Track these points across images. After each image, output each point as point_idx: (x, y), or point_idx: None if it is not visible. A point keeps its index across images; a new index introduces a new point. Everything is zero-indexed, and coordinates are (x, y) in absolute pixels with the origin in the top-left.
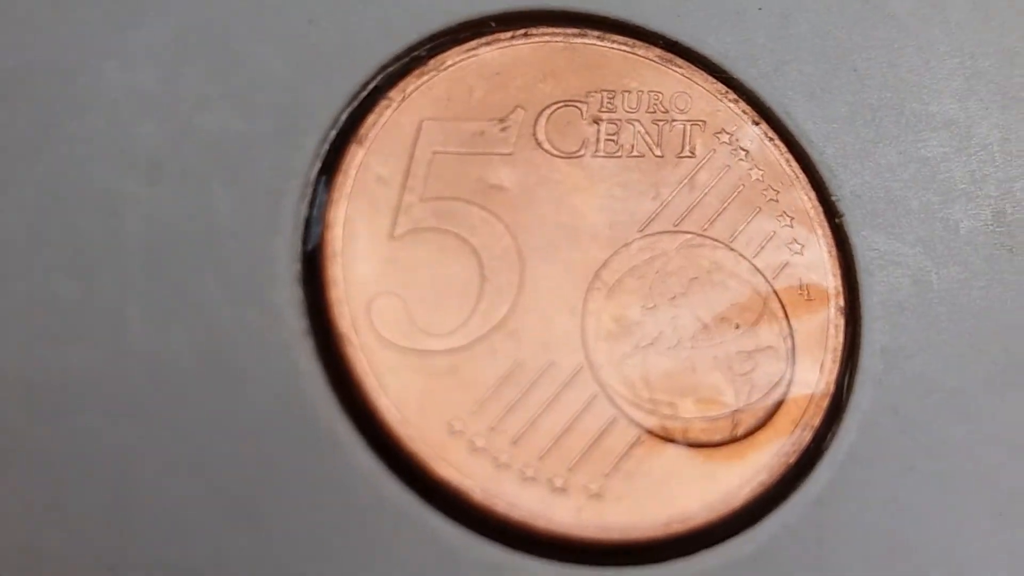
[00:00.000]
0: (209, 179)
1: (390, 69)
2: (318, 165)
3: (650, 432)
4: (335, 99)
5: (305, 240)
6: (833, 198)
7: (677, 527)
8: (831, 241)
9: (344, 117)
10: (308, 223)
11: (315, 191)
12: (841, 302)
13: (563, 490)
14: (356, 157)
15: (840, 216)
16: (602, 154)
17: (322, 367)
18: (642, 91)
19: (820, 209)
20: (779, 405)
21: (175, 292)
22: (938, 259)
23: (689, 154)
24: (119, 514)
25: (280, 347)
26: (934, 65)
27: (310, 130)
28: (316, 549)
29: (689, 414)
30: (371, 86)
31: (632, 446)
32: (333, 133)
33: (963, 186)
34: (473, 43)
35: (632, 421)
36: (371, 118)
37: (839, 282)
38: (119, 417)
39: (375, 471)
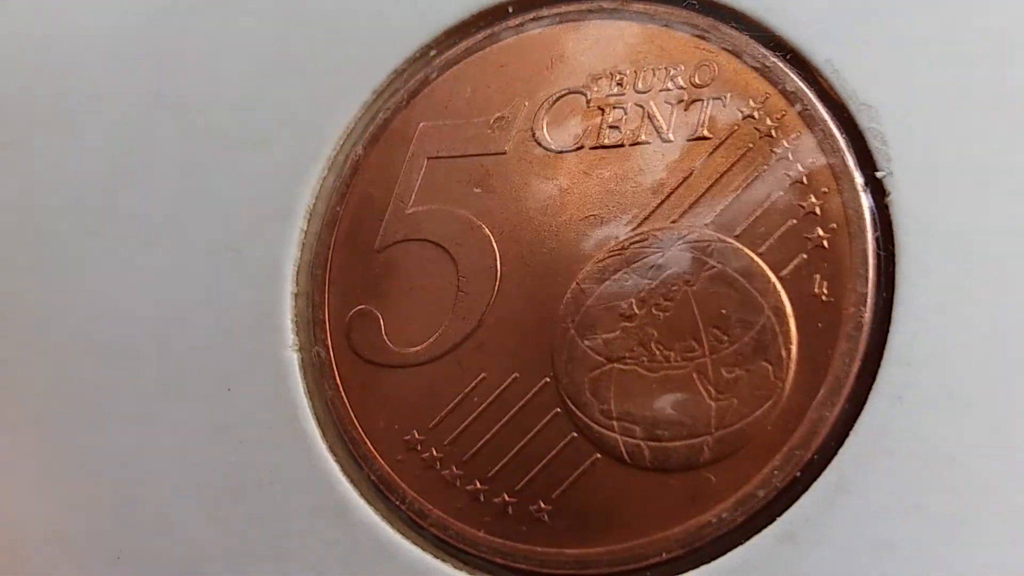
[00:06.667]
0: (213, 189)
1: (404, 72)
2: (324, 174)
3: (609, 454)
4: (343, 104)
5: (301, 252)
6: (879, 174)
7: (622, 552)
8: (868, 231)
9: (354, 124)
10: (304, 235)
11: (313, 202)
12: (864, 309)
13: (505, 510)
14: (354, 166)
15: (887, 196)
16: (604, 143)
17: (304, 379)
18: (658, 68)
19: (859, 192)
20: (761, 430)
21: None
22: (1014, 259)
23: (705, 136)
24: (125, 509)
25: (269, 359)
26: None
27: (314, 135)
28: (277, 540)
29: (655, 437)
30: (382, 91)
31: (587, 467)
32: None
33: None
34: (480, 36)
35: (590, 441)
36: (372, 128)
37: (866, 284)
38: (121, 422)
39: (340, 481)
